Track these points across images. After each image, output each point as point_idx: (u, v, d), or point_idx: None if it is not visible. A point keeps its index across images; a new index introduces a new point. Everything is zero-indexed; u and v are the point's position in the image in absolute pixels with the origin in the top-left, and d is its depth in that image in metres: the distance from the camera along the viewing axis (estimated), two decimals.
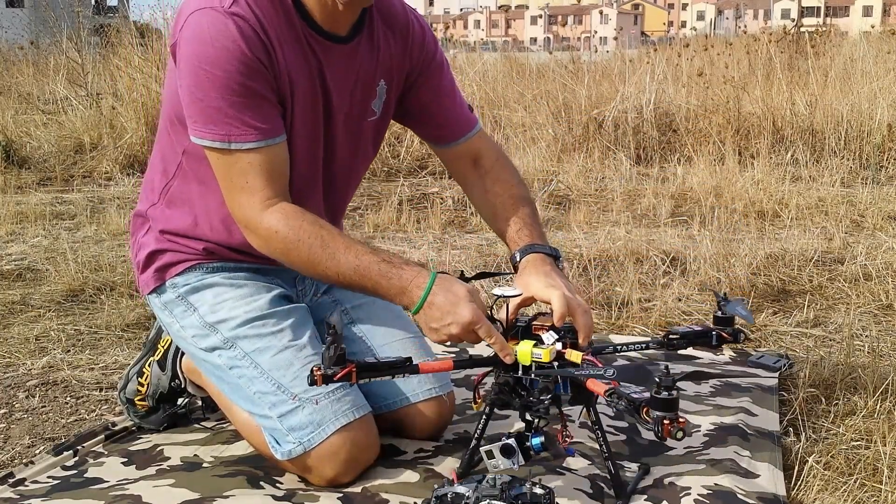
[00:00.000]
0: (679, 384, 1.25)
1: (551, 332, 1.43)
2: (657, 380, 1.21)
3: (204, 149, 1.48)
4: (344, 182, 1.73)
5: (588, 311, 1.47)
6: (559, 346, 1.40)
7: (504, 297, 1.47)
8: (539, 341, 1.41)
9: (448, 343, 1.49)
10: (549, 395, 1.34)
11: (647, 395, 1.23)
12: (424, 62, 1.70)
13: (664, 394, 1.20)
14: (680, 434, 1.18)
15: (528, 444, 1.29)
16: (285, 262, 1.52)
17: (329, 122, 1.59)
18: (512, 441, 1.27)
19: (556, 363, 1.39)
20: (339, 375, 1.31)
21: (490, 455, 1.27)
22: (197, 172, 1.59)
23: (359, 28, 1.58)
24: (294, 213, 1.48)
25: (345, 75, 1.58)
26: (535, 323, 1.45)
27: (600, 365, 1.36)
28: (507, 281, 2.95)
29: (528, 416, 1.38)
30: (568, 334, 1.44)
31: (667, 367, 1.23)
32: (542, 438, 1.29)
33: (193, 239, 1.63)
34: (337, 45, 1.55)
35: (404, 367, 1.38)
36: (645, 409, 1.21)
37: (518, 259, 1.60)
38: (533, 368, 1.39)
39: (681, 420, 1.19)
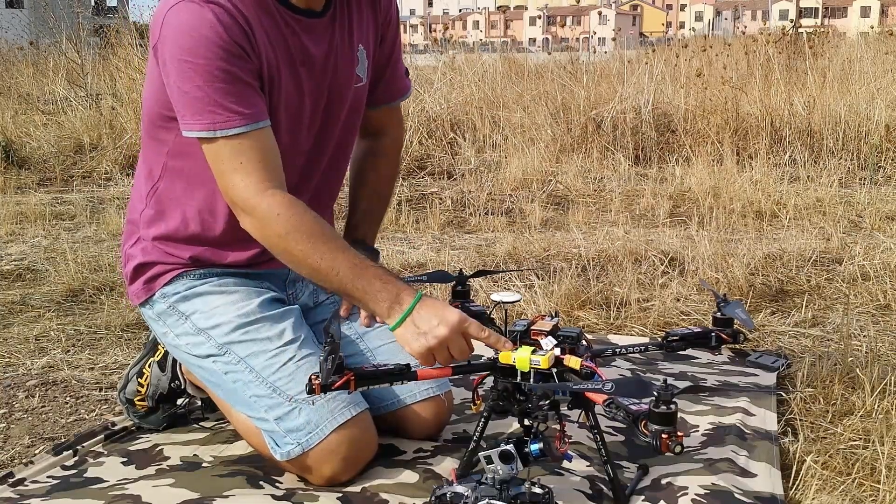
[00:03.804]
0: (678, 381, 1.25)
1: (550, 337, 1.42)
2: (656, 394, 1.21)
3: (198, 141, 1.48)
4: (340, 160, 1.74)
5: None
6: (557, 351, 1.40)
7: (503, 302, 1.47)
8: (537, 347, 1.41)
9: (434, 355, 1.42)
10: (548, 401, 1.34)
11: (645, 407, 1.23)
12: (387, 27, 1.74)
13: (662, 407, 1.20)
14: (678, 448, 1.19)
15: (526, 449, 1.30)
16: (276, 249, 1.48)
17: (325, 100, 1.61)
18: (511, 447, 1.27)
19: (554, 369, 1.38)
20: (337, 384, 1.31)
21: (489, 461, 1.28)
22: (182, 170, 1.59)
23: (331, 1, 1.60)
24: (295, 202, 1.47)
25: (328, 49, 1.59)
26: (533, 328, 1.45)
27: (599, 372, 1.36)
28: (507, 283, 2.95)
29: (526, 422, 1.38)
30: (567, 340, 1.44)
31: (665, 381, 1.23)
32: (541, 444, 1.29)
33: (182, 245, 1.63)
34: (314, 21, 1.57)
35: (403, 374, 1.38)
36: (643, 423, 1.22)
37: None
38: (532, 374, 1.38)
39: (679, 434, 1.19)
